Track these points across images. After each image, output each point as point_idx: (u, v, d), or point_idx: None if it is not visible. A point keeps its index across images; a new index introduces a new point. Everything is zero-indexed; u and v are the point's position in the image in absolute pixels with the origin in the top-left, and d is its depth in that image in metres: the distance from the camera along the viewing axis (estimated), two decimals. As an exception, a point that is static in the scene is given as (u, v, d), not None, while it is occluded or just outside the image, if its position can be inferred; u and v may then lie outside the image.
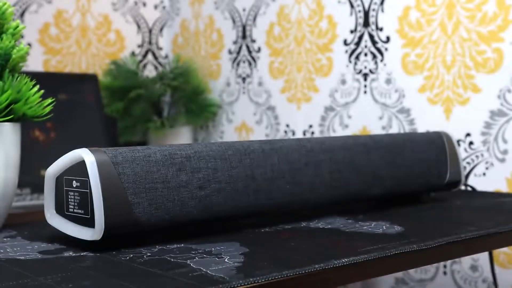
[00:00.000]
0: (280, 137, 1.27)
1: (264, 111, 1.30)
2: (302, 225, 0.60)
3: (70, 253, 0.50)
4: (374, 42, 1.11)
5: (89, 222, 0.50)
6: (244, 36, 1.34)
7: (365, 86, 1.13)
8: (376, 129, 1.11)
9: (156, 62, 1.52)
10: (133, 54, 1.47)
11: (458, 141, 1.00)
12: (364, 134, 0.91)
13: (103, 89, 1.33)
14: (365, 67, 1.13)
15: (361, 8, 1.13)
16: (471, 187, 0.95)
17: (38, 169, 1.06)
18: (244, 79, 1.34)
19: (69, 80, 1.21)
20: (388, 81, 1.09)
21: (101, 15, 1.42)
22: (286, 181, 0.61)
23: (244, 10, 1.34)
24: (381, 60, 1.10)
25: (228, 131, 1.38)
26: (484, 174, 0.98)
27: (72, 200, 0.51)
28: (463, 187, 0.97)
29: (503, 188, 0.97)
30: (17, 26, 0.60)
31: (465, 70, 0.99)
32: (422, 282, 1.06)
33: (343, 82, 1.16)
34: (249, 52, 1.33)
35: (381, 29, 1.10)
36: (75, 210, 0.51)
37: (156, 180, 0.52)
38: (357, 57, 1.14)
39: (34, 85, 0.60)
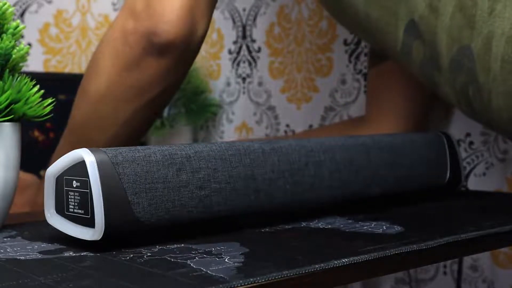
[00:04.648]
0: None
1: (264, 111, 1.30)
2: (302, 225, 0.60)
3: (70, 253, 0.50)
4: (374, 42, 1.11)
5: (89, 222, 0.50)
6: (244, 36, 1.34)
7: (365, 86, 1.12)
8: (376, 129, 1.11)
9: (156, 62, 1.51)
10: (133, 54, 1.47)
11: (458, 141, 1.00)
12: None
13: (103, 89, 1.33)
14: (365, 67, 1.12)
15: (361, 8, 1.13)
16: (468, 188, 0.95)
17: (38, 169, 1.06)
18: (244, 79, 1.34)
19: (69, 80, 1.21)
20: (388, 81, 1.09)
21: (101, 15, 1.42)
22: (286, 181, 0.61)
23: (244, 10, 1.34)
24: (381, 60, 1.10)
25: (228, 131, 1.38)
26: (484, 174, 0.98)
27: (72, 200, 0.51)
28: (463, 187, 0.97)
29: (503, 188, 0.97)
30: (17, 26, 0.60)
31: (465, 70, 0.99)
32: (422, 282, 1.06)
33: (343, 82, 1.16)
34: (249, 52, 1.33)
35: (381, 29, 1.10)
36: (75, 210, 0.51)
37: (156, 180, 0.52)
38: (357, 57, 1.14)
39: (34, 85, 0.60)
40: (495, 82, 0.62)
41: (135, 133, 0.80)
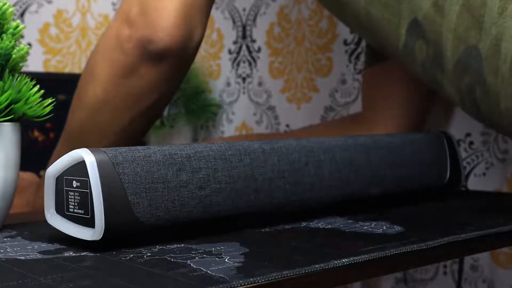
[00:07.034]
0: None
1: (264, 111, 1.30)
2: (302, 225, 0.60)
3: (70, 253, 0.50)
4: (374, 42, 1.11)
5: (89, 222, 0.50)
6: (244, 36, 1.34)
7: (365, 86, 1.12)
8: (376, 129, 1.11)
9: (156, 62, 1.51)
10: (133, 54, 1.47)
11: (458, 141, 1.00)
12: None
13: (103, 89, 1.33)
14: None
15: (361, 8, 1.13)
16: (468, 188, 0.95)
17: (38, 169, 1.06)
18: (244, 79, 1.34)
19: (69, 80, 1.21)
20: (388, 81, 1.09)
21: (101, 15, 1.42)
22: (286, 181, 0.61)
23: (244, 10, 1.34)
24: (381, 60, 1.10)
25: (228, 131, 1.38)
26: (484, 174, 0.98)
27: (72, 200, 0.51)
28: (463, 187, 0.97)
29: (503, 188, 0.97)
30: (17, 26, 0.60)
31: (465, 70, 0.99)
32: (422, 282, 1.06)
33: (343, 82, 1.16)
34: (249, 52, 1.33)
35: (381, 29, 1.10)
36: (75, 210, 0.51)
37: (156, 180, 0.52)
38: (357, 57, 1.14)
39: (34, 85, 0.60)
40: (504, 84, 0.62)
41: (132, 138, 0.80)
